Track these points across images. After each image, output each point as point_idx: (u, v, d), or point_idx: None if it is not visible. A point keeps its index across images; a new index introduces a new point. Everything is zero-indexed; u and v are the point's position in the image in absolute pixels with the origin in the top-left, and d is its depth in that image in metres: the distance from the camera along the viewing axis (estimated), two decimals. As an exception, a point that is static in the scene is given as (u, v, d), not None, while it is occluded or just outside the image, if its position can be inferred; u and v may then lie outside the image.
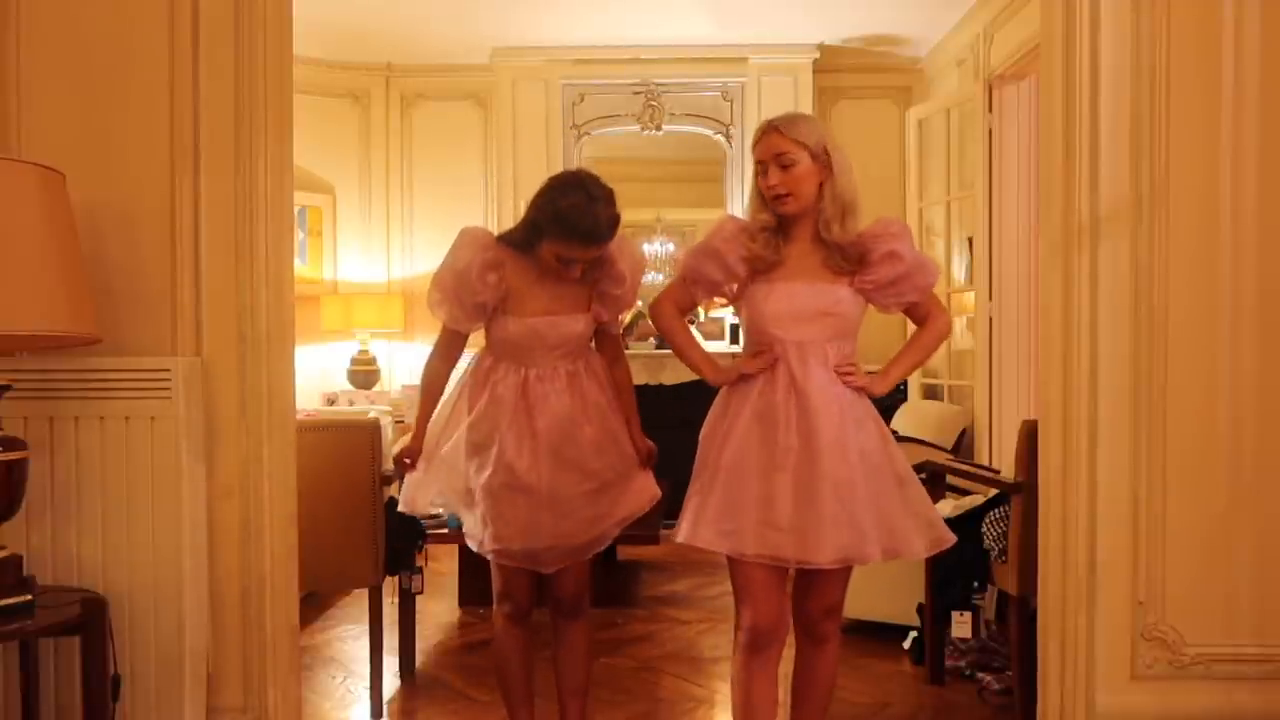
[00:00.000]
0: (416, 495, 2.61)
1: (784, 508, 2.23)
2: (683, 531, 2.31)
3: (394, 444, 4.21)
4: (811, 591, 2.38)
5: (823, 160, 2.29)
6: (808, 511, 2.22)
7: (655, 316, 2.51)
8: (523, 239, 2.52)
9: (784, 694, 2.49)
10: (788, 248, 2.35)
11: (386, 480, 3.40)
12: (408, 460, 2.62)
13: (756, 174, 2.36)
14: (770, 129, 2.31)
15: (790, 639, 2.41)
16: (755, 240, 2.33)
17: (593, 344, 2.66)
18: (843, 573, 2.35)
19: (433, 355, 2.65)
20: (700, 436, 2.41)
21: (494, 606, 2.72)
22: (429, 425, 2.64)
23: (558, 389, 2.52)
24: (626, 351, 2.83)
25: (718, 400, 2.42)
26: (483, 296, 2.49)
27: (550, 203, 2.43)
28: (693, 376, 2.55)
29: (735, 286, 2.39)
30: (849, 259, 2.31)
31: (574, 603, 2.69)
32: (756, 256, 2.32)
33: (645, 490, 2.63)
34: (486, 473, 2.50)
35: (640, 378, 2.79)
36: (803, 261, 2.33)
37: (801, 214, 2.33)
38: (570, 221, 2.39)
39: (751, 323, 2.37)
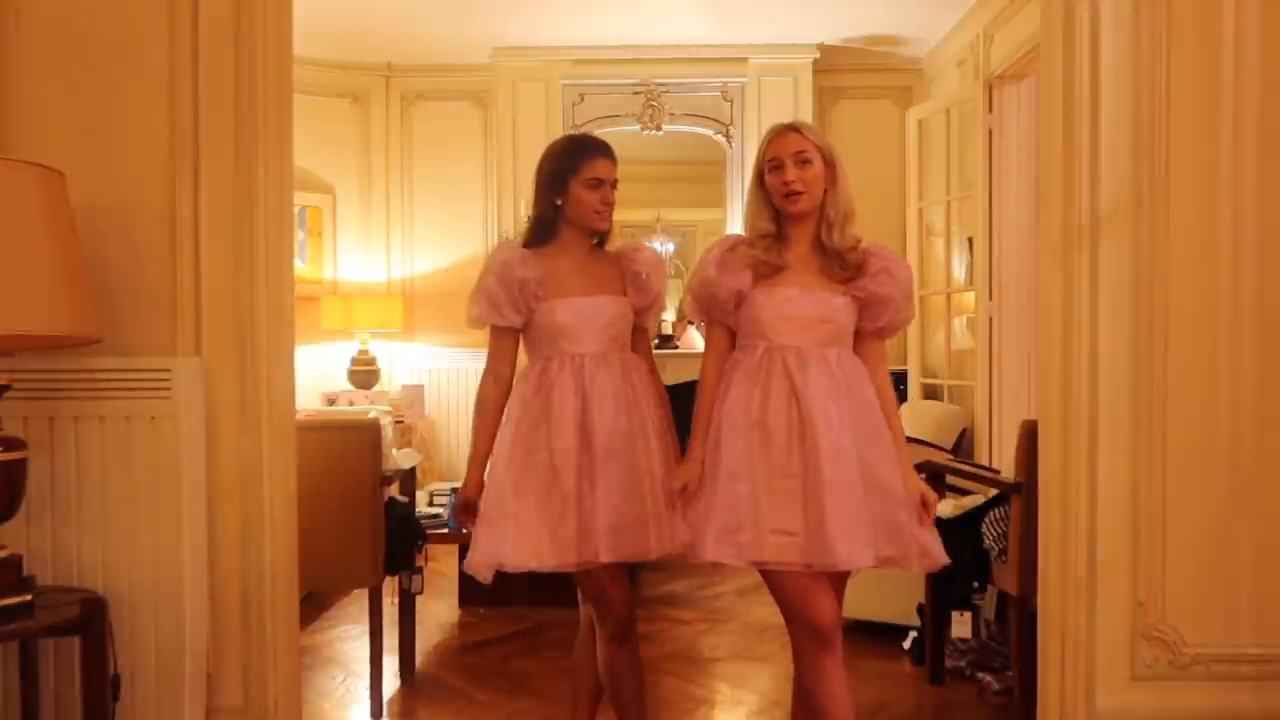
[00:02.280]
0: (492, 558, 2.39)
1: (791, 514, 2.23)
2: (691, 548, 2.33)
3: (393, 444, 4.21)
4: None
5: (831, 167, 2.37)
6: (813, 516, 2.22)
7: (700, 373, 2.47)
8: (543, 229, 2.55)
9: (779, 694, 2.49)
10: (786, 254, 2.38)
11: (387, 480, 3.39)
12: (465, 513, 2.48)
13: (763, 176, 2.40)
14: (789, 129, 2.39)
15: (787, 640, 2.41)
16: (755, 246, 2.38)
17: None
18: (838, 582, 2.34)
19: (485, 377, 2.53)
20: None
21: (588, 635, 2.59)
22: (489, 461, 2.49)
23: (614, 381, 2.46)
24: None
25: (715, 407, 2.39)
26: (523, 274, 2.45)
27: (551, 154, 2.55)
28: (693, 377, 2.55)
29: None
30: (846, 266, 2.35)
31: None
32: (760, 262, 2.36)
33: (676, 533, 2.48)
34: (547, 488, 2.41)
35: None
36: (800, 268, 2.37)
37: (806, 216, 2.37)
38: (579, 143, 2.58)
39: (750, 325, 2.37)
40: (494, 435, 2.50)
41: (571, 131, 2.64)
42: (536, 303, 2.48)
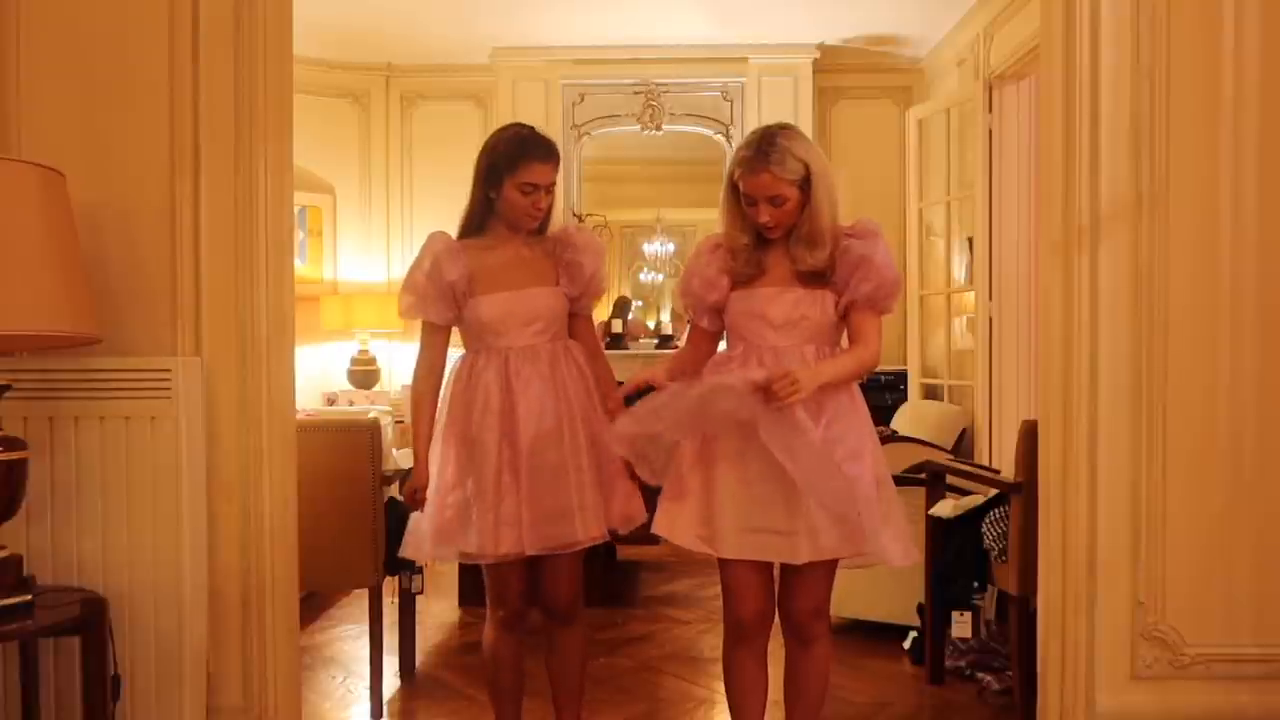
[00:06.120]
0: (424, 544, 2.53)
1: (763, 508, 2.25)
2: (662, 526, 2.36)
3: (393, 444, 4.21)
4: (796, 592, 2.38)
5: (805, 188, 2.31)
6: (787, 512, 2.24)
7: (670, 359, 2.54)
8: (475, 219, 2.57)
9: (778, 693, 2.49)
10: (765, 257, 2.38)
11: (387, 480, 3.39)
12: (417, 497, 2.53)
13: (737, 199, 2.36)
14: (762, 169, 2.28)
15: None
16: (736, 259, 2.38)
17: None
18: (826, 573, 2.34)
19: (417, 368, 2.63)
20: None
21: (488, 613, 2.69)
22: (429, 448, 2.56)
23: (541, 373, 2.48)
24: (626, 351, 2.83)
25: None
26: (451, 276, 2.49)
27: (493, 146, 2.52)
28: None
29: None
30: (819, 275, 2.34)
31: (568, 608, 2.63)
32: (738, 272, 2.38)
33: (630, 509, 2.54)
34: (470, 481, 2.47)
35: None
36: (778, 268, 2.37)
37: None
38: (521, 139, 2.50)
39: (731, 327, 2.41)
40: (431, 425, 2.56)
41: (518, 124, 2.59)
42: (465, 299, 2.52)
